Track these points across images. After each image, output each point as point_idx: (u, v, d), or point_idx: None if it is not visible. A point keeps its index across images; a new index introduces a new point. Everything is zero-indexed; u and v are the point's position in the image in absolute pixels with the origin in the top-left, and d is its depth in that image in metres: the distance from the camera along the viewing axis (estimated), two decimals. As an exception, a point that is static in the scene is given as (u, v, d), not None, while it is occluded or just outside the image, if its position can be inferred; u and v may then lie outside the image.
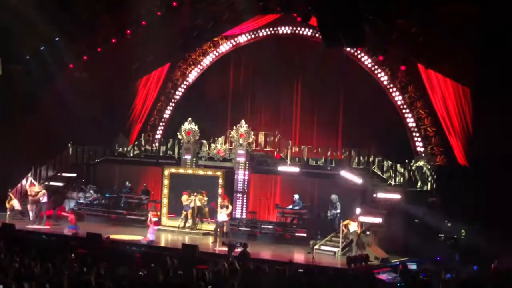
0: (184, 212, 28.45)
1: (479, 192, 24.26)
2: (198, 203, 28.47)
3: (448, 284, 17.29)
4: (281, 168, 28.98)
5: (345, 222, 24.64)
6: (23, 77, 30.51)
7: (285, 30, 32.05)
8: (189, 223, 28.50)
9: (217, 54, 34.19)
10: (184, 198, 28.34)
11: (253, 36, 32.96)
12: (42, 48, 30.81)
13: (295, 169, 28.60)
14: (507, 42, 23.58)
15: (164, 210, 29.43)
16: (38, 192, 28.50)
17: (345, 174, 27.13)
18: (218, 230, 26.00)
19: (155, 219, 26.57)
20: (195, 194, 28.41)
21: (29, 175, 31.54)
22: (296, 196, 28.03)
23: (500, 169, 24.16)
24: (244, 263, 17.85)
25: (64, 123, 30.81)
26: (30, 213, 28.50)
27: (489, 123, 24.86)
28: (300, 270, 19.29)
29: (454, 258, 23.10)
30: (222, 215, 26.33)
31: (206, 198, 28.48)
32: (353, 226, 24.49)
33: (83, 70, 31.93)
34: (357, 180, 26.68)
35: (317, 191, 28.87)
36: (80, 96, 30.81)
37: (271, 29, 32.39)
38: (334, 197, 26.97)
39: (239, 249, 21.01)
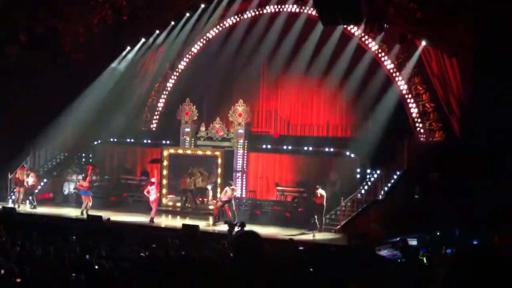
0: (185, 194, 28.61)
1: (478, 167, 24.25)
2: (200, 184, 28.61)
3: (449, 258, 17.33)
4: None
5: (318, 190, 24.90)
6: (20, 59, 30.42)
7: (282, 8, 31.80)
8: (190, 203, 28.62)
9: (215, 32, 33.94)
10: (185, 181, 28.48)
11: (249, 15, 32.69)
12: (38, 30, 30.73)
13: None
14: (505, 18, 23.49)
15: (164, 191, 29.43)
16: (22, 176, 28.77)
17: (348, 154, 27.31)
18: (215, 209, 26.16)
19: (154, 179, 26.77)
20: (196, 173, 28.65)
21: (28, 158, 31.67)
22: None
23: (499, 144, 24.17)
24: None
25: (62, 105, 30.86)
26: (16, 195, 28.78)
27: (488, 98, 24.79)
28: (301, 248, 19.35)
29: (454, 233, 23.15)
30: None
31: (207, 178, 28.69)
32: (321, 192, 24.83)
33: (80, 52, 31.81)
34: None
35: (317, 170, 28.84)
36: (78, 77, 30.79)
37: (268, 7, 32.10)
38: (333, 175, 27.00)
39: (238, 229, 21.08)
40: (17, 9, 28.40)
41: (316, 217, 24.76)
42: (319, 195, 24.76)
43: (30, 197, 28.74)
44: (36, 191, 29.48)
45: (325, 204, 24.80)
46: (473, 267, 2.63)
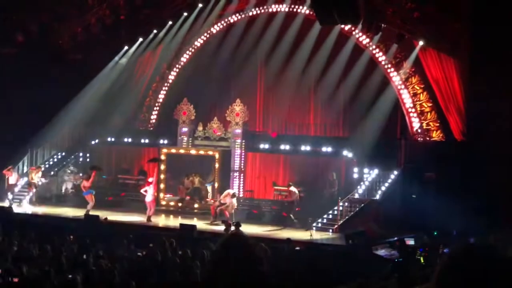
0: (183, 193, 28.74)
1: (476, 167, 24.26)
2: (197, 184, 28.68)
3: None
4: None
5: (290, 187, 25.77)
6: (16, 60, 30.42)
7: (280, 8, 31.72)
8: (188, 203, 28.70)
9: (209, 34, 33.91)
10: (183, 186, 28.67)
11: (246, 14, 32.62)
12: (35, 30, 30.73)
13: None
14: (501, 15, 23.53)
15: (161, 190, 29.39)
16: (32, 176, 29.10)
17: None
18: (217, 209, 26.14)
19: (151, 179, 26.84)
20: (193, 175, 28.77)
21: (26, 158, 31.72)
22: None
23: (496, 144, 24.19)
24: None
25: (60, 104, 30.88)
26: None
27: (485, 97, 24.80)
28: (298, 248, 19.36)
29: (451, 233, 23.15)
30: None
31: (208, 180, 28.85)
32: (292, 189, 25.72)
33: (77, 52, 31.83)
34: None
35: (314, 170, 28.86)
36: (75, 77, 30.79)
37: (264, 7, 32.03)
38: (331, 174, 27.03)
39: (233, 228, 21.07)
40: (13, 9, 28.39)
41: (291, 214, 25.47)
42: (291, 192, 25.53)
43: (10, 195, 28.86)
44: (16, 189, 29.71)
45: (295, 201, 25.60)
46: (467, 264, 2.61)
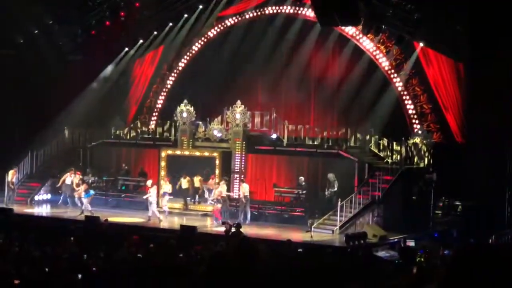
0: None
1: (475, 168, 24.28)
2: (197, 184, 28.67)
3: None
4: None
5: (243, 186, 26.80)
6: (17, 61, 30.48)
7: (280, 9, 31.78)
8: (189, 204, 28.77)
9: (210, 35, 33.99)
10: (183, 181, 28.63)
11: (245, 16, 32.70)
12: (35, 32, 30.78)
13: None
14: (499, 17, 23.61)
15: (162, 191, 29.38)
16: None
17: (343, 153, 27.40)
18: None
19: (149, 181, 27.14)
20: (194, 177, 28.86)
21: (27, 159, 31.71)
22: (302, 178, 28.06)
23: (496, 145, 24.24)
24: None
25: (60, 107, 30.91)
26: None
27: (484, 98, 24.84)
28: (299, 249, 19.34)
29: (452, 234, 23.17)
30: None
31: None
32: (245, 187, 26.56)
33: (77, 53, 31.87)
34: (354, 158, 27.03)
35: (314, 171, 28.85)
36: (75, 79, 30.83)
37: (266, 8, 32.10)
38: (330, 176, 26.99)
39: (233, 230, 21.07)
40: (12, 11, 28.44)
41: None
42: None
43: (10, 193, 28.93)
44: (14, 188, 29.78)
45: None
46: (473, 265, 2.62)
